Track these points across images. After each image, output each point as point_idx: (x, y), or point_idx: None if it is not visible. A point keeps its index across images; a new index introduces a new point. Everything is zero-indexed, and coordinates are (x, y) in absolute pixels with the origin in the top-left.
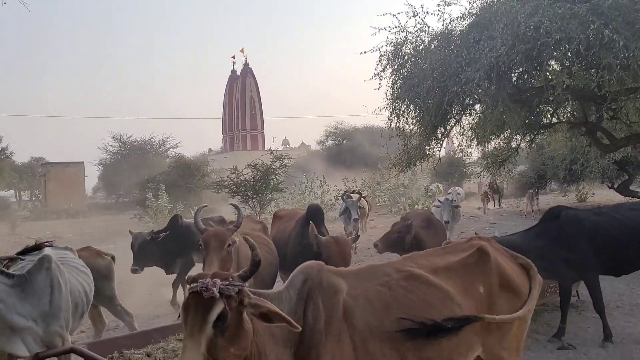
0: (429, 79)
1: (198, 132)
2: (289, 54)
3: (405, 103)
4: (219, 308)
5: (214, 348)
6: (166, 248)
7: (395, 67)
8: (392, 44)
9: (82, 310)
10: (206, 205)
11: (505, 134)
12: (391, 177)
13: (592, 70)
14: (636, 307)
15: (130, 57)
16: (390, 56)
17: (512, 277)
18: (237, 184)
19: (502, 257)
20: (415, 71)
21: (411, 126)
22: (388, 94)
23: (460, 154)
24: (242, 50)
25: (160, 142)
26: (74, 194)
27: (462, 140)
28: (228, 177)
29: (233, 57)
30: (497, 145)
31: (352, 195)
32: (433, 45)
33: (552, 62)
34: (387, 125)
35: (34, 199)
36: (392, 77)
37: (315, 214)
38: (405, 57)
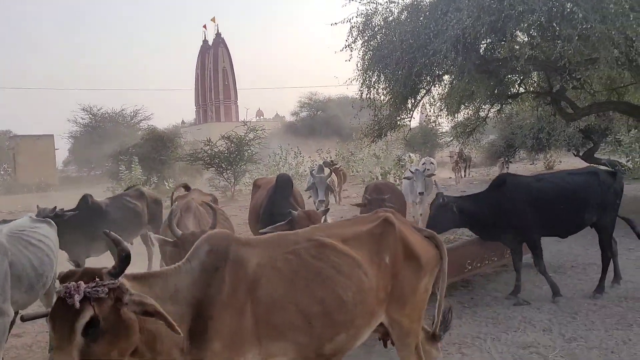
0: (398, 50)
1: (171, 104)
2: (262, 23)
3: (376, 74)
4: (87, 314)
5: (91, 356)
6: (70, 230)
7: (366, 38)
8: (363, 15)
9: (30, 284)
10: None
11: (474, 103)
12: (363, 147)
13: (555, 42)
14: (589, 266)
15: (100, 27)
16: (360, 27)
17: (416, 248)
18: (211, 156)
19: (406, 228)
20: (385, 42)
21: (382, 97)
22: (359, 65)
23: (433, 124)
24: (213, 20)
25: (132, 113)
26: (44, 168)
27: (432, 111)
28: (202, 149)
29: (204, 26)
30: (466, 115)
31: (323, 169)
32: (403, 17)
33: (519, 34)
34: (357, 96)
35: (2, 172)
36: (362, 49)
37: (283, 185)
38: (376, 29)
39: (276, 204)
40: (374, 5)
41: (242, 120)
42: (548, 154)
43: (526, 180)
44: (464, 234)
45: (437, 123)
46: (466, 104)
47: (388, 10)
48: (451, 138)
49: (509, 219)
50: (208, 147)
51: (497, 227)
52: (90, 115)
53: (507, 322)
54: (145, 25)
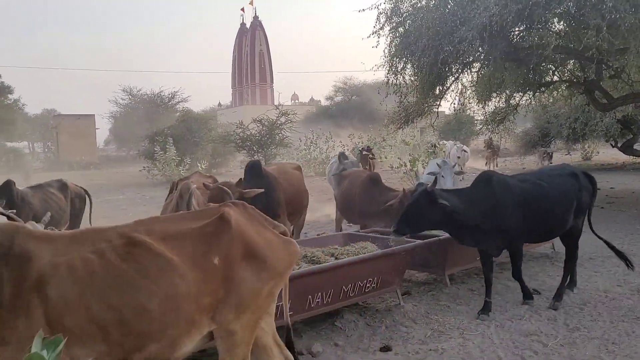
0: (424, 38)
1: (208, 87)
2: (300, 7)
3: (402, 61)
4: None
5: None
6: None
7: (393, 25)
8: (391, 2)
9: None
10: None
11: (505, 92)
12: (390, 133)
13: (584, 31)
14: (608, 259)
15: (139, 10)
16: (388, 14)
17: (260, 247)
18: (242, 139)
19: (252, 225)
20: (412, 29)
21: (408, 83)
22: (386, 51)
23: (463, 112)
24: (251, 3)
25: (170, 95)
26: (85, 146)
27: (458, 99)
28: (234, 131)
29: (242, 9)
30: (497, 104)
31: (346, 157)
32: (431, 4)
33: (554, 21)
34: (384, 82)
35: (46, 150)
36: (390, 35)
37: (248, 170)
38: (404, 15)
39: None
40: None
41: (275, 104)
42: (586, 145)
43: (512, 181)
44: None
45: (470, 110)
46: (497, 92)
47: None
48: (481, 126)
49: (498, 222)
50: (240, 129)
51: (482, 231)
52: (130, 97)
53: (514, 310)
54: (185, 9)
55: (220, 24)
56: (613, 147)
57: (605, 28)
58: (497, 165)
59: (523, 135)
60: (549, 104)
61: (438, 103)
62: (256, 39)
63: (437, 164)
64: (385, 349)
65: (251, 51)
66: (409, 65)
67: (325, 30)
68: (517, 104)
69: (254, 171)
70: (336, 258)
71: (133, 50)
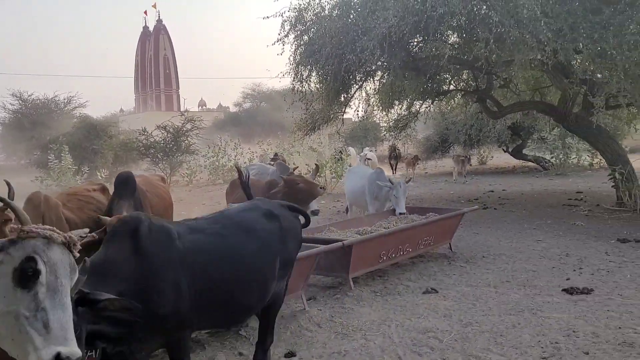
0: (328, 46)
1: (110, 92)
2: (206, 11)
3: (307, 68)
4: None
5: None
6: None
7: (298, 32)
8: (295, 10)
9: None
10: None
11: (406, 100)
12: (297, 140)
13: (475, 43)
14: (498, 257)
15: (40, 11)
16: (292, 21)
17: None
18: (146, 146)
19: None
20: (316, 38)
21: (314, 90)
22: (291, 59)
23: (367, 119)
24: (154, 6)
25: (66, 100)
26: None
27: (367, 105)
28: (137, 138)
29: (145, 12)
30: (399, 111)
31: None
32: (334, 13)
33: (448, 34)
34: (290, 89)
35: None
36: (295, 43)
37: (121, 185)
38: (308, 24)
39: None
40: (307, 0)
41: (180, 110)
42: (481, 150)
43: (172, 230)
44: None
45: (374, 117)
46: (399, 100)
47: (319, 5)
48: (384, 132)
49: (151, 303)
50: (143, 136)
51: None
52: (20, 101)
53: (413, 309)
54: (86, 10)
55: (121, 26)
56: (505, 151)
57: (492, 41)
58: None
59: (424, 141)
60: (447, 112)
61: (343, 110)
62: (160, 43)
63: (391, 181)
64: (290, 354)
65: (155, 55)
66: (314, 73)
67: (234, 36)
68: (417, 112)
69: (128, 183)
70: None
71: (30, 53)
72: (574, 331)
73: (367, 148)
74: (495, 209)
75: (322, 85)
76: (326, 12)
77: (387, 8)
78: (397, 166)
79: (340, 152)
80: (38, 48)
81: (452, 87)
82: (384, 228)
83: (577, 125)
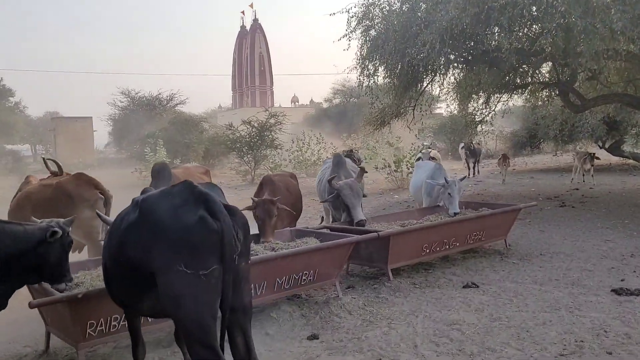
0: (391, 41)
1: (210, 89)
2: (300, 9)
3: (373, 64)
4: None
5: None
6: None
7: (364, 28)
8: (363, 5)
9: None
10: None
11: (484, 93)
12: (365, 135)
13: (539, 33)
14: (556, 255)
15: (141, 14)
16: (360, 17)
17: None
18: (232, 140)
19: None
20: (381, 32)
21: (381, 85)
22: (357, 54)
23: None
24: (251, 5)
25: (168, 98)
26: (83, 148)
27: (426, 103)
28: (224, 133)
29: (242, 12)
30: (475, 105)
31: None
32: (400, 7)
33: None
34: (357, 85)
35: (44, 153)
36: (361, 38)
37: (156, 173)
38: (375, 19)
39: None
40: None
41: (263, 107)
42: (577, 146)
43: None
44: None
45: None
46: (476, 94)
47: (385, 0)
48: (461, 126)
49: None
50: (230, 131)
51: None
52: (129, 99)
53: (447, 302)
54: (187, 13)
55: (222, 26)
56: (600, 148)
57: (556, 32)
58: (477, 172)
59: (512, 137)
60: (531, 106)
61: (414, 104)
62: (256, 42)
63: (446, 180)
64: (312, 337)
65: (251, 53)
66: (380, 68)
67: (325, 32)
68: (495, 105)
69: (162, 173)
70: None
71: (138, 53)
72: (605, 331)
73: (427, 145)
74: (573, 207)
75: (390, 80)
76: (393, 6)
77: (449, 0)
78: (478, 166)
79: (422, 149)
80: (148, 49)
81: (531, 80)
82: (431, 221)
83: None
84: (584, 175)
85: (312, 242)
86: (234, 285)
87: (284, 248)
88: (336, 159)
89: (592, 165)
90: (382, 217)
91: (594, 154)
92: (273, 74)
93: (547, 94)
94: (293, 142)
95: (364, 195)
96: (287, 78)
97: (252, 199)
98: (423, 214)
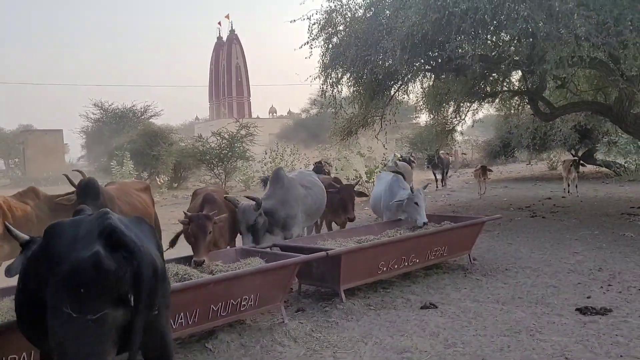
0: (353, 48)
1: (186, 101)
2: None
3: (337, 72)
4: None
5: None
6: None
7: (326, 35)
8: (325, 12)
9: None
10: None
11: (452, 102)
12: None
13: (504, 40)
14: (522, 270)
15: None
16: (321, 24)
17: None
18: (202, 152)
19: None
20: (344, 40)
21: (347, 94)
22: (320, 62)
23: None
24: (227, 17)
25: (142, 109)
26: (53, 162)
27: (414, 109)
28: (193, 144)
29: (219, 23)
30: (445, 114)
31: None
32: (360, 14)
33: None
34: (319, 94)
35: (12, 166)
36: (323, 46)
37: (82, 191)
38: (338, 27)
39: None
40: (338, 2)
41: (236, 118)
42: (551, 154)
43: None
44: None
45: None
46: (446, 102)
47: (347, 7)
48: (431, 137)
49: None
50: (199, 143)
51: None
52: (102, 111)
53: (401, 326)
54: (164, 24)
55: (199, 37)
56: (573, 156)
57: (518, 38)
58: (444, 184)
59: (485, 146)
60: (503, 115)
61: (381, 114)
62: (232, 53)
63: (411, 189)
64: None
65: (227, 64)
66: (344, 77)
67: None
68: (465, 114)
69: (86, 190)
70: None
71: (110, 66)
72: (566, 358)
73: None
74: (543, 217)
75: (355, 89)
76: (357, 13)
77: (410, 6)
78: (446, 177)
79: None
80: (119, 60)
81: (500, 88)
82: (388, 237)
83: (636, 127)
84: (569, 185)
85: (257, 263)
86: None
87: (223, 270)
88: (275, 174)
89: (577, 173)
90: (339, 233)
91: (578, 160)
92: (250, 84)
93: (517, 102)
94: (266, 154)
95: None
96: (265, 89)
97: (184, 212)
98: (383, 228)
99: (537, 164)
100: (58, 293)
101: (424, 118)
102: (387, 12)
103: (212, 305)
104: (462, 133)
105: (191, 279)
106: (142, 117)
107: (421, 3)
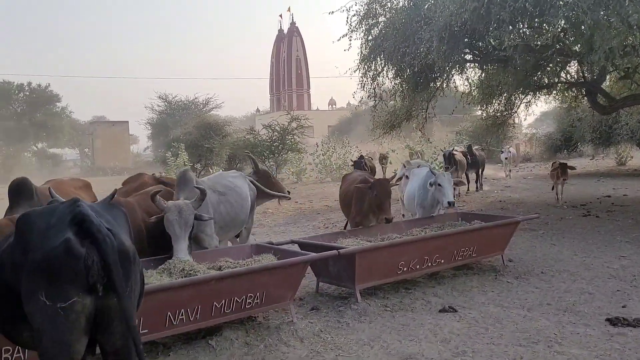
0: (391, 39)
1: (249, 93)
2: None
3: (379, 64)
4: None
5: None
6: None
7: (367, 27)
8: (365, 3)
9: None
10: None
11: (504, 95)
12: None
13: (546, 29)
14: (559, 273)
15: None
16: (361, 15)
17: None
18: (253, 144)
19: None
20: (382, 31)
21: (390, 87)
22: (359, 54)
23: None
24: (289, 9)
25: (204, 101)
26: (119, 152)
27: (465, 100)
28: (245, 137)
29: (280, 16)
30: (497, 107)
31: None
32: (400, 5)
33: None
34: (358, 86)
35: (83, 156)
36: (363, 37)
37: (11, 192)
38: (379, 17)
39: None
40: None
41: (287, 111)
42: (619, 148)
43: None
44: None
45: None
46: (497, 95)
47: None
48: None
49: None
50: (251, 135)
51: None
52: (166, 103)
53: (413, 330)
54: (227, 18)
55: (262, 31)
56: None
57: (559, 28)
58: (480, 186)
59: (546, 140)
60: (566, 107)
61: (426, 107)
62: (293, 45)
63: (432, 172)
64: None
65: (288, 57)
66: (386, 68)
67: None
68: (518, 107)
69: (19, 190)
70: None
71: (177, 60)
72: None
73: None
74: (597, 216)
75: (396, 81)
76: (398, 4)
77: None
78: (482, 177)
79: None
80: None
81: (556, 80)
82: (411, 236)
83: None
84: (558, 193)
85: (269, 260)
86: (102, 323)
87: (231, 267)
88: (182, 176)
89: (565, 180)
90: (364, 230)
91: (566, 164)
92: (310, 76)
93: (574, 94)
94: (317, 146)
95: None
96: (325, 80)
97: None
98: (410, 226)
99: (603, 158)
100: (33, 281)
101: (475, 111)
102: (429, 2)
103: (215, 302)
104: (513, 126)
105: (197, 274)
106: (204, 109)
107: None
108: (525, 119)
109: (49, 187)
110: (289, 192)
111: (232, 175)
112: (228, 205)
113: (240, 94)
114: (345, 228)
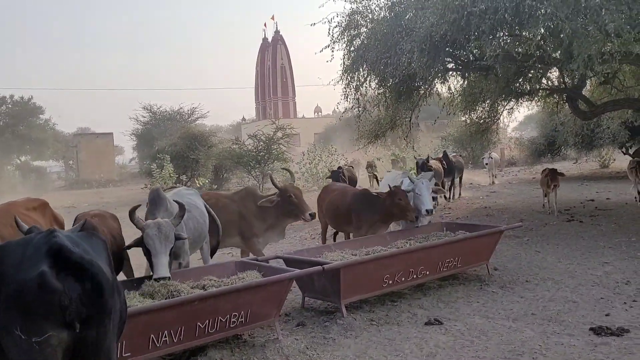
0: (373, 50)
1: (234, 102)
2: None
3: (360, 74)
4: None
5: None
6: None
7: (349, 38)
8: (346, 15)
9: None
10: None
11: (487, 101)
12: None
13: (526, 39)
14: (543, 282)
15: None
16: (343, 26)
17: None
18: (239, 155)
19: None
20: (364, 42)
21: (372, 96)
22: (342, 65)
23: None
24: (272, 18)
25: (189, 112)
26: (104, 164)
27: (449, 107)
28: (230, 147)
29: (265, 24)
30: (480, 114)
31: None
32: (381, 16)
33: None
34: (342, 97)
35: (67, 168)
36: (345, 48)
37: None
38: (360, 29)
39: None
40: (357, 4)
41: (272, 120)
42: (603, 152)
43: None
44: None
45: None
46: (480, 102)
47: (369, 8)
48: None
49: None
50: (236, 145)
51: None
52: (150, 114)
53: (399, 344)
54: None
55: (247, 39)
56: (624, 154)
57: (540, 37)
58: (455, 195)
59: (529, 144)
60: (548, 112)
61: (410, 115)
62: (277, 53)
63: (410, 179)
64: None
65: (273, 65)
66: (368, 79)
67: None
68: (501, 113)
69: None
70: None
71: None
72: None
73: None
74: (581, 221)
75: (380, 91)
76: (378, 14)
77: (428, 7)
78: (460, 184)
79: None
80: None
81: (537, 86)
82: (395, 248)
83: None
84: (549, 201)
85: (254, 277)
86: (79, 355)
87: (216, 285)
88: (152, 195)
89: (556, 185)
90: (347, 243)
91: (556, 170)
92: (295, 84)
93: (555, 100)
94: (304, 155)
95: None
96: (311, 88)
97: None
98: (395, 238)
99: (587, 162)
100: (7, 315)
101: (459, 117)
102: (410, 13)
103: (198, 323)
104: (497, 132)
105: (180, 295)
106: (190, 119)
107: (439, 3)
108: (508, 125)
109: (14, 216)
110: (311, 215)
111: (188, 192)
112: (195, 221)
113: (225, 103)
114: (334, 239)
